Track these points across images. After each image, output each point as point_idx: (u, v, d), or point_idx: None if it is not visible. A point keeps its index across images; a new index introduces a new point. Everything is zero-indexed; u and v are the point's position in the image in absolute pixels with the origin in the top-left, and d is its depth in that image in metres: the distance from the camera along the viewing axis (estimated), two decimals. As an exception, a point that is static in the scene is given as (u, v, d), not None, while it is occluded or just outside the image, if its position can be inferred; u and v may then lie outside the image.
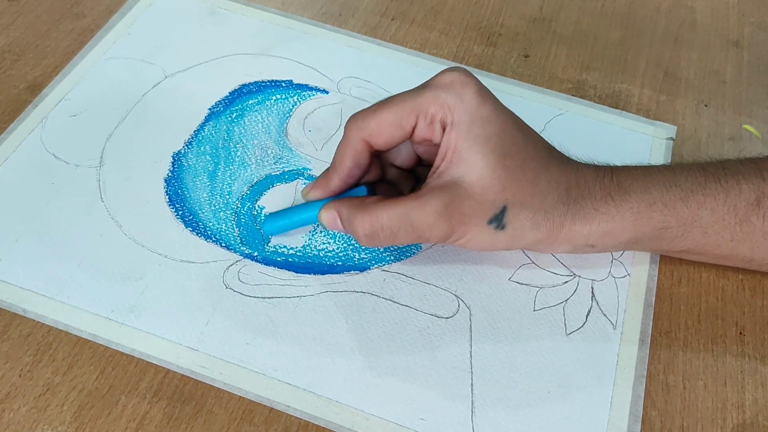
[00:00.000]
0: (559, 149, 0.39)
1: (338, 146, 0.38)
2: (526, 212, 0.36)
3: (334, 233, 0.42)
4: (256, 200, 0.43)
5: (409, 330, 0.39)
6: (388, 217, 0.35)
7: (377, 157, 0.39)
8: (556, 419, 0.36)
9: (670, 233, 0.38)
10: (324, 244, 0.42)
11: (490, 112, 0.36)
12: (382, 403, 0.36)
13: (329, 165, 0.39)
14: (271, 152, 0.46)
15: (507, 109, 0.37)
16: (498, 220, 0.36)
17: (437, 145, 0.37)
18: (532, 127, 0.39)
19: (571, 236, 0.37)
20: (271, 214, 0.42)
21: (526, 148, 0.36)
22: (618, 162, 0.41)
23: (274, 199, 0.43)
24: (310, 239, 0.42)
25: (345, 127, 0.38)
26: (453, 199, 0.35)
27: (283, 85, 0.49)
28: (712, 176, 0.38)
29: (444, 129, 0.36)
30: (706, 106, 0.51)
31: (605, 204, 0.37)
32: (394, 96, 0.37)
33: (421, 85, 0.37)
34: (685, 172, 0.38)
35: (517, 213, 0.36)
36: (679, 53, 0.55)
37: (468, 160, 0.35)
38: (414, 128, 0.36)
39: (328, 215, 0.38)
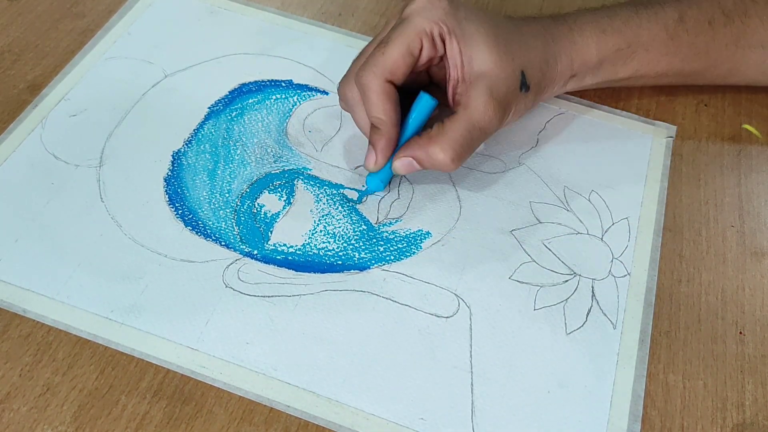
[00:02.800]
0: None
1: (369, 107, 0.40)
2: (535, 67, 0.43)
3: (334, 232, 0.42)
4: (256, 198, 0.43)
5: (409, 329, 0.39)
6: (461, 134, 0.40)
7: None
8: (556, 419, 0.36)
9: (623, 54, 0.46)
10: (324, 243, 0.42)
11: (466, 11, 0.41)
12: (382, 403, 0.36)
13: (371, 131, 0.41)
14: (271, 151, 0.46)
15: (467, 4, 0.43)
16: (524, 85, 0.42)
17: (432, 62, 0.42)
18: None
19: (562, 69, 0.44)
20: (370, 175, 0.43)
21: (504, 23, 0.43)
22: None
23: (274, 198, 0.43)
24: (309, 238, 0.42)
25: (360, 85, 0.40)
26: (489, 88, 0.40)
27: (283, 84, 0.49)
28: (641, 6, 0.46)
29: (444, 41, 0.41)
30: (706, 105, 0.51)
31: (571, 39, 0.45)
32: (380, 38, 0.41)
33: (396, 21, 0.42)
34: (618, 7, 0.46)
35: (531, 71, 0.42)
36: (678, 53, 0.55)
37: (477, 55, 0.40)
38: (420, 51, 0.41)
39: (403, 162, 0.41)
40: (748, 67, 0.49)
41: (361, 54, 0.43)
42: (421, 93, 0.41)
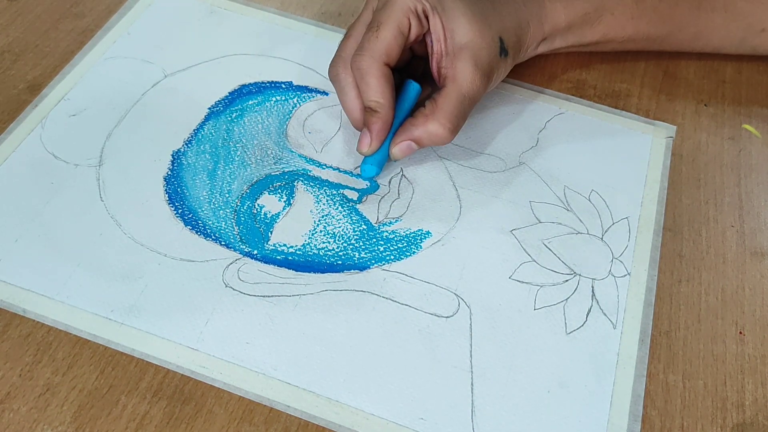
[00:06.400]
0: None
1: (366, 91, 0.42)
2: (510, 33, 0.45)
3: (334, 232, 0.42)
4: (256, 199, 0.43)
5: (409, 329, 0.39)
6: (454, 106, 0.42)
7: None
8: (556, 419, 0.36)
9: (590, 18, 0.48)
10: (324, 243, 0.42)
11: None
12: (382, 402, 0.36)
13: (367, 114, 0.42)
14: (271, 153, 0.46)
15: None
16: (503, 50, 0.44)
17: (418, 39, 0.43)
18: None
19: (534, 33, 0.47)
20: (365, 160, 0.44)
21: None
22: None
23: (274, 199, 0.43)
24: (309, 238, 0.42)
25: (358, 70, 0.42)
26: (473, 58, 0.42)
27: (283, 86, 0.49)
28: None
29: (427, 17, 0.43)
30: (705, 105, 0.51)
31: (541, 4, 0.47)
32: (364, 19, 0.44)
33: (379, 2, 0.43)
34: None
35: (507, 37, 0.45)
36: (678, 52, 0.55)
37: (458, 28, 0.42)
38: (409, 29, 0.42)
39: (401, 147, 0.43)
40: (712, 31, 0.51)
41: (348, 36, 0.44)
42: (408, 81, 0.44)
